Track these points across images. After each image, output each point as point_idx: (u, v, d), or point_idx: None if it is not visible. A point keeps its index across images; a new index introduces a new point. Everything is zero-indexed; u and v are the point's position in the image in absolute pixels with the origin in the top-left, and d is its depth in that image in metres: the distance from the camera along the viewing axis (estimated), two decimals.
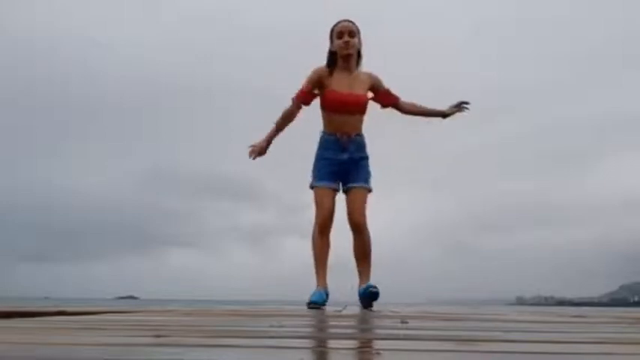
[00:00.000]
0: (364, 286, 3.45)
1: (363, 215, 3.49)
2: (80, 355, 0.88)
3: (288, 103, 3.56)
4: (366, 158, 3.56)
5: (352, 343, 1.11)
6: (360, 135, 3.55)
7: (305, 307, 3.35)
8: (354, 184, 3.49)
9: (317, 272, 3.51)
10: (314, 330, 1.40)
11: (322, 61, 3.55)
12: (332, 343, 1.09)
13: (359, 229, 3.49)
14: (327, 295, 3.46)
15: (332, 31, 3.51)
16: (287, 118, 3.56)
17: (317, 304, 3.34)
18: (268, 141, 3.57)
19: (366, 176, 3.53)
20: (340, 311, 2.86)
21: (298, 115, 3.58)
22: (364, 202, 3.50)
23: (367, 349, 1.01)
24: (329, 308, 3.32)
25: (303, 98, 3.53)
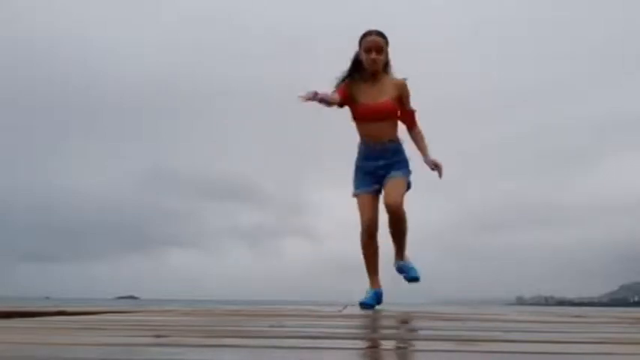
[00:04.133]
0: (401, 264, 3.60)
1: (399, 198, 3.52)
2: (80, 355, 0.88)
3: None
4: (403, 161, 3.64)
5: (351, 343, 1.11)
6: (393, 140, 3.63)
7: (304, 307, 3.35)
8: (390, 176, 3.56)
9: (369, 274, 3.64)
10: (314, 330, 1.40)
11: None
12: (331, 343, 1.09)
13: (392, 209, 3.50)
14: (379, 295, 3.59)
15: (361, 39, 3.58)
16: (331, 102, 3.50)
17: (368, 305, 3.48)
18: (321, 98, 3.41)
19: (403, 170, 3.61)
20: (340, 311, 2.86)
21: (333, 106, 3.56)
22: (399, 187, 3.54)
23: (367, 348, 1.01)
24: (329, 308, 3.32)
25: (340, 95, 3.54)
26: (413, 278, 3.65)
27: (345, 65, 3.64)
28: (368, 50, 3.53)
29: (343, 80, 3.59)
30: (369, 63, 3.53)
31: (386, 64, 3.61)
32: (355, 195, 3.62)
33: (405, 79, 3.65)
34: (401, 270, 3.68)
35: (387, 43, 3.59)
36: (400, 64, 3.62)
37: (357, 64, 3.60)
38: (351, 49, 3.63)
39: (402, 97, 3.63)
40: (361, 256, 3.64)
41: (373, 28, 3.61)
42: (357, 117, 3.60)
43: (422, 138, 3.73)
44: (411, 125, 3.73)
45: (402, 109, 3.65)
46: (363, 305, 3.45)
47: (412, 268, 3.68)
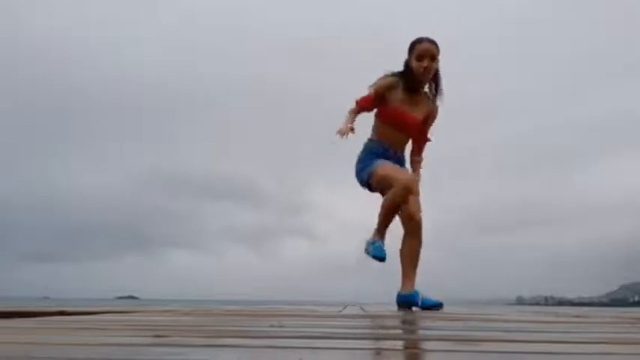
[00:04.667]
0: (409, 292, 3.45)
1: (420, 213, 3.52)
2: (80, 355, 0.88)
3: (351, 104, 3.52)
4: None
5: (351, 343, 1.11)
6: (403, 152, 3.68)
7: (304, 307, 3.35)
8: None
9: (380, 229, 3.47)
10: (314, 330, 1.40)
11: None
12: (331, 343, 1.09)
13: (417, 226, 3.49)
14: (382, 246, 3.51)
15: (413, 46, 3.51)
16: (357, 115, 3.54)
17: (380, 257, 3.41)
18: (352, 122, 3.46)
19: None
20: (340, 311, 2.86)
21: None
22: (419, 202, 3.54)
23: (366, 349, 1.01)
24: (328, 308, 3.32)
25: (366, 105, 3.53)
26: (437, 304, 3.45)
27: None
28: (420, 58, 3.46)
29: (388, 82, 3.49)
30: (421, 71, 3.47)
31: (436, 75, 3.56)
32: (375, 167, 3.45)
33: (437, 106, 3.65)
34: (411, 301, 3.41)
35: (438, 51, 3.52)
36: (400, 65, 3.59)
37: (407, 71, 3.51)
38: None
39: (428, 120, 3.64)
40: (380, 212, 3.40)
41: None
42: (386, 119, 3.56)
43: (419, 166, 3.72)
44: (419, 151, 3.73)
45: (423, 129, 3.65)
46: (377, 257, 3.38)
47: (430, 299, 3.45)
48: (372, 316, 2.30)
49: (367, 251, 3.46)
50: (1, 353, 0.83)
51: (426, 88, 3.62)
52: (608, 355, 0.94)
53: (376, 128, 3.62)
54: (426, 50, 3.47)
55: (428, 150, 3.76)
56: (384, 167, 3.47)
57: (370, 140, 3.63)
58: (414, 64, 3.47)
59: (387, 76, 3.54)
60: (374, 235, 3.49)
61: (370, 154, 3.57)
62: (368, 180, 3.52)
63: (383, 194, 3.49)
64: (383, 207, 3.43)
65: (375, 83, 3.52)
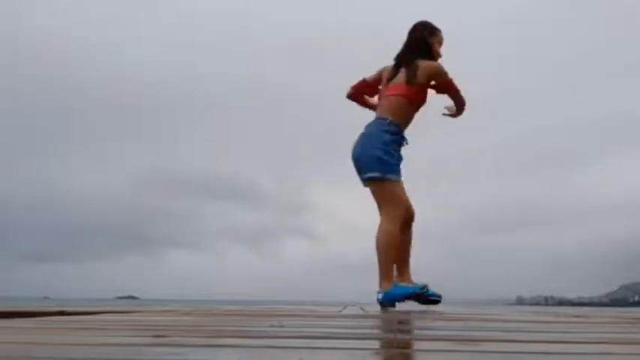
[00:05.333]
0: (415, 286, 3.48)
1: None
2: (80, 355, 0.88)
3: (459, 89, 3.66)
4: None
5: (351, 343, 1.11)
6: None
7: (304, 307, 3.35)
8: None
9: (391, 266, 3.41)
10: (314, 330, 1.40)
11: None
12: (331, 343, 1.09)
13: (412, 221, 3.58)
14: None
15: (434, 31, 3.68)
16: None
17: (439, 297, 3.45)
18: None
19: None
20: (340, 311, 2.86)
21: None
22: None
23: (366, 349, 1.01)
24: (328, 308, 3.32)
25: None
26: (436, 296, 3.47)
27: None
28: (441, 44, 3.69)
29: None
30: (439, 56, 3.67)
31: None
32: (397, 180, 3.44)
33: None
34: (394, 298, 3.40)
35: None
36: None
37: (426, 47, 3.62)
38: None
39: None
40: (382, 254, 3.34)
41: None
42: (423, 100, 3.61)
43: None
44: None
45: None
46: (435, 297, 3.43)
47: (404, 287, 3.45)
48: (372, 316, 2.30)
49: (406, 294, 3.39)
50: (1, 353, 0.83)
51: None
52: (608, 355, 0.94)
53: (402, 110, 3.52)
54: (442, 40, 3.71)
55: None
56: (402, 189, 3.49)
57: (390, 123, 3.49)
58: (437, 48, 3.67)
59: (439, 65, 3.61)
60: (386, 281, 3.37)
61: (394, 145, 3.49)
62: (382, 177, 3.42)
63: (375, 198, 3.47)
64: (388, 245, 3.37)
65: (446, 71, 3.58)
